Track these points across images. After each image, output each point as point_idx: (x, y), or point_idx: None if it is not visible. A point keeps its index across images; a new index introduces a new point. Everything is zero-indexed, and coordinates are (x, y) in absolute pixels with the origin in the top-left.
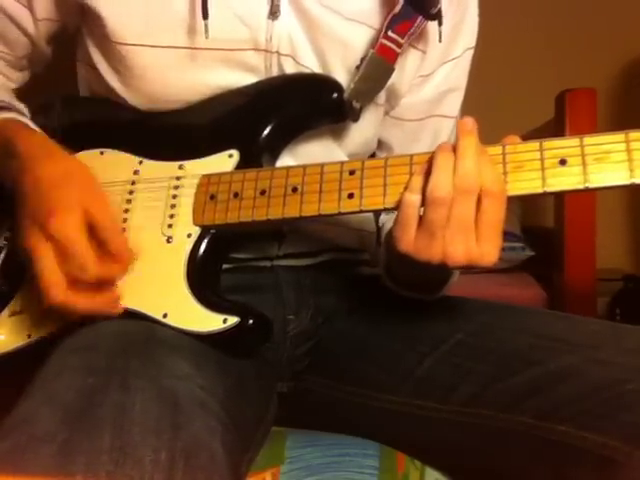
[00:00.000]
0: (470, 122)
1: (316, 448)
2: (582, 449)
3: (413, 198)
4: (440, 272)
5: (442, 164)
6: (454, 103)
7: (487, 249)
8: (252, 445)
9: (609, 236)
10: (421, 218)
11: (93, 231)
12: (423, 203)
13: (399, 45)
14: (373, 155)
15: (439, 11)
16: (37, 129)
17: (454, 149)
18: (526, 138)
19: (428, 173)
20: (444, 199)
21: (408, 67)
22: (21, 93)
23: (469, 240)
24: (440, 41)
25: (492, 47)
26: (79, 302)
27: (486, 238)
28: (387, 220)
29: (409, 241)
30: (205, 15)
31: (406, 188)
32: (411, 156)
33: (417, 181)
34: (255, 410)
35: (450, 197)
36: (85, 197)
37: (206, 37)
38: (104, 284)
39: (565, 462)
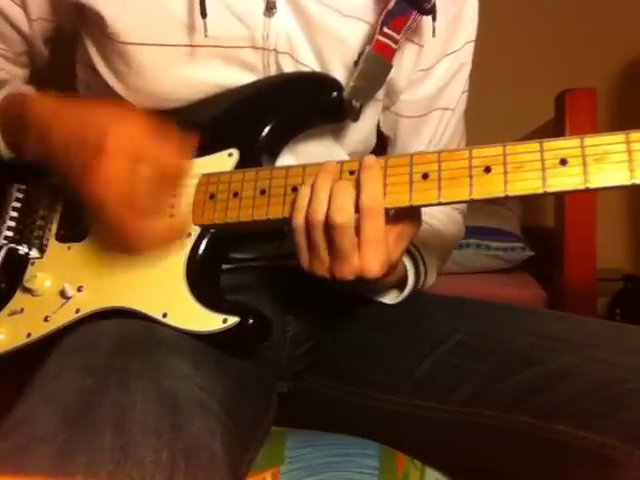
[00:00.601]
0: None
1: (316, 448)
2: (582, 448)
3: (299, 222)
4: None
5: (320, 185)
6: (454, 95)
7: (368, 263)
8: (252, 445)
9: (609, 236)
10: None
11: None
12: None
13: (395, 41)
14: (373, 151)
15: (433, 6)
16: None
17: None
18: (526, 138)
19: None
20: (320, 221)
21: (405, 61)
22: None
23: (350, 257)
24: (434, 36)
25: (492, 47)
26: (155, 226)
27: (366, 254)
28: None
29: (305, 261)
30: (203, 14)
31: (292, 208)
32: (411, 156)
33: (301, 202)
34: (255, 410)
35: (323, 222)
36: (125, 112)
37: (205, 35)
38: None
39: (565, 461)
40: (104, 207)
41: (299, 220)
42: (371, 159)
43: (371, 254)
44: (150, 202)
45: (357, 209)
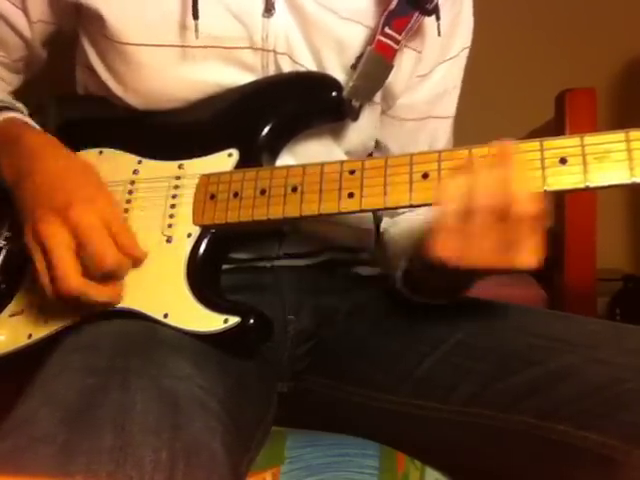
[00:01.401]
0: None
1: (316, 448)
2: (582, 448)
3: (454, 206)
4: (470, 278)
5: (487, 172)
6: (450, 103)
7: (528, 255)
8: (252, 445)
9: (609, 236)
10: (459, 225)
11: (106, 226)
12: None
13: (397, 42)
14: (371, 154)
15: (436, 6)
16: (38, 128)
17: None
18: (526, 138)
19: (461, 180)
20: (486, 207)
21: (404, 67)
22: (20, 94)
23: (508, 245)
24: (439, 35)
25: (492, 47)
26: (94, 290)
27: (524, 244)
28: (391, 225)
29: (451, 247)
30: (195, 15)
31: (441, 195)
32: (411, 156)
33: (459, 186)
34: (255, 410)
35: (493, 205)
36: (96, 193)
37: (196, 37)
38: (110, 279)
39: (565, 461)
40: (32, 255)
41: (453, 205)
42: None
43: (529, 244)
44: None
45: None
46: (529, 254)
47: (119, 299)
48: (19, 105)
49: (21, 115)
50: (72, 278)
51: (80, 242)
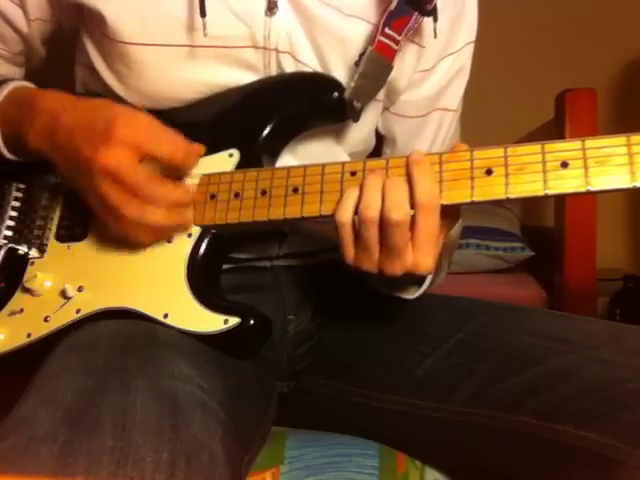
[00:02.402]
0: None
1: (316, 448)
2: (582, 449)
3: (345, 217)
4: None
5: (371, 183)
6: (454, 96)
7: (421, 260)
8: (252, 445)
9: (609, 236)
10: (356, 234)
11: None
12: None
13: (396, 42)
14: (374, 151)
15: (434, 7)
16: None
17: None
18: (526, 138)
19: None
20: (374, 218)
21: (407, 62)
22: None
23: (403, 252)
24: (435, 37)
25: (492, 47)
26: (178, 192)
27: (420, 249)
28: None
29: (350, 256)
30: (203, 13)
31: (339, 207)
32: None
33: (349, 199)
34: (255, 410)
35: (379, 216)
36: (132, 111)
37: (204, 35)
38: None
39: (565, 462)
40: (105, 195)
41: (345, 217)
42: (419, 154)
43: (426, 250)
44: (153, 190)
45: (411, 205)
46: (419, 258)
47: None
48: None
49: (23, 82)
50: (158, 188)
51: (142, 152)
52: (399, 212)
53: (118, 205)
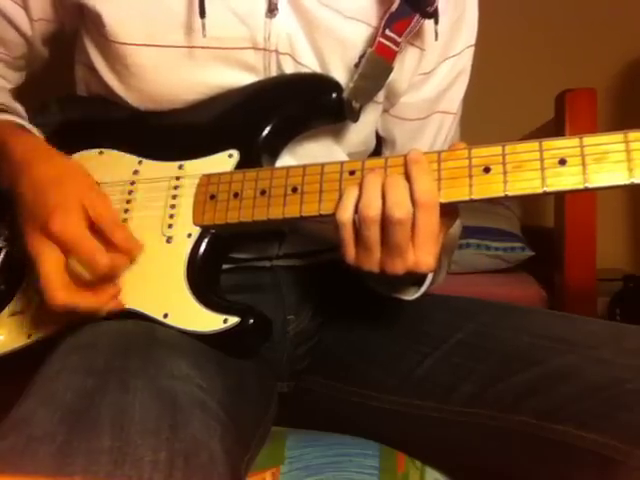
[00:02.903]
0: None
1: (316, 448)
2: (582, 449)
3: (346, 217)
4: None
5: (371, 182)
6: (454, 99)
7: (422, 258)
8: (252, 445)
9: (609, 236)
10: (357, 234)
11: (94, 227)
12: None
13: (397, 44)
14: (374, 152)
15: (435, 10)
16: (34, 130)
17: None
18: (526, 138)
19: (352, 191)
20: (375, 217)
21: (407, 65)
22: (20, 93)
23: (405, 251)
24: (436, 39)
25: (492, 47)
26: (83, 301)
27: (421, 248)
28: None
29: (351, 255)
30: (202, 14)
31: (339, 206)
32: None
33: (349, 199)
34: (255, 410)
35: (380, 214)
36: (82, 194)
37: (203, 35)
38: (106, 280)
39: (565, 462)
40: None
41: (346, 216)
42: (417, 153)
43: (427, 249)
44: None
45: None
46: (420, 256)
47: (118, 302)
48: (17, 107)
49: (16, 117)
50: (60, 293)
51: (66, 253)
52: (401, 210)
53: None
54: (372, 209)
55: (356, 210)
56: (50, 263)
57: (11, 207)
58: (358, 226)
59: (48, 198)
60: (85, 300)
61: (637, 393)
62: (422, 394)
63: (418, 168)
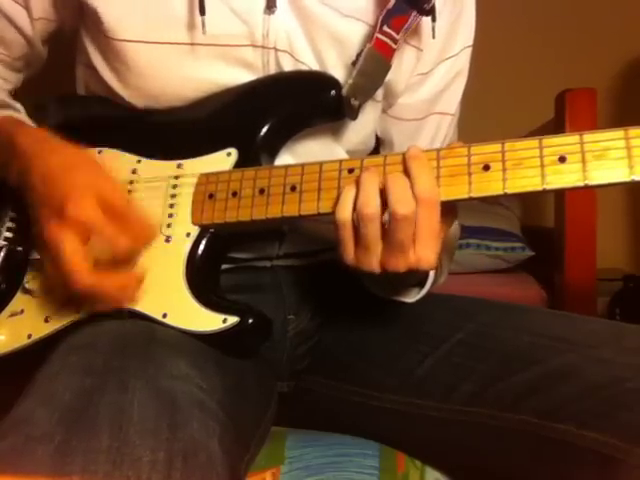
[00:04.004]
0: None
1: (316, 448)
2: (582, 448)
3: (344, 216)
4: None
5: (368, 180)
6: (452, 100)
7: (424, 255)
8: (252, 445)
9: (609, 236)
10: (356, 233)
11: (108, 212)
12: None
13: (395, 40)
14: (372, 152)
15: (433, 7)
16: (33, 126)
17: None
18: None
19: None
20: (373, 215)
21: (405, 64)
22: (20, 93)
23: (407, 248)
24: (434, 37)
25: (492, 47)
26: (108, 281)
27: (422, 244)
28: None
29: (350, 255)
30: (202, 11)
31: (337, 205)
32: None
33: (347, 197)
34: (255, 410)
35: (379, 212)
36: (94, 180)
37: (203, 33)
38: (126, 263)
39: (565, 461)
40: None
41: (344, 215)
42: (417, 150)
43: (428, 245)
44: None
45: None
46: (421, 253)
47: (138, 287)
48: (17, 105)
49: (15, 113)
50: (82, 274)
51: (86, 234)
52: (405, 206)
53: (50, 276)
54: (370, 207)
55: (354, 209)
56: (71, 247)
57: (13, 204)
58: (357, 225)
59: (61, 185)
60: (110, 280)
61: (637, 392)
62: (422, 394)
63: (418, 164)
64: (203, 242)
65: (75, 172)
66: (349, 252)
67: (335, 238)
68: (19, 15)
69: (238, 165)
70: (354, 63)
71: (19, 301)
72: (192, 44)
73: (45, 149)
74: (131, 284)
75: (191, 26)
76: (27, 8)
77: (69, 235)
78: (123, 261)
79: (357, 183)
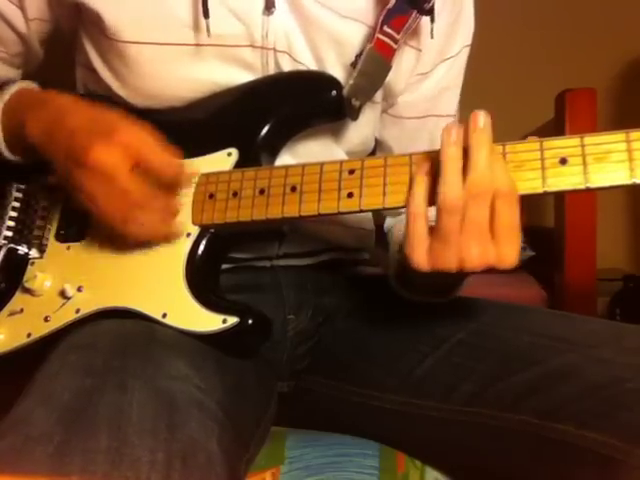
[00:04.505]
0: (482, 117)
1: (316, 448)
2: (582, 448)
3: (421, 210)
4: (457, 276)
5: (451, 166)
6: (451, 102)
7: (505, 251)
8: (251, 445)
9: (609, 236)
10: (432, 227)
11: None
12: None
13: (395, 41)
14: (372, 154)
15: (432, 7)
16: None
17: (462, 146)
18: (526, 138)
19: (431, 176)
20: (457, 206)
21: (404, 65)
22: None
23: (485, 243)
24: (432, 37)
25: (492, 47)
26: (157, 201)
27: (503, 240)
28: (394, 225)
29: (422, 255)
30: (206, 14)
31: (409, 198)
32: (410, 155)
33: (421, 189)
34: (255, 410)
35: (463, 202)
36: (121, 123)
37: (208, 35)
38: (173, 189)
39: (565, 461)
40: (91, 194)
41: (421, 209)
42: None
43: (511, 240)
44: (141, 197)
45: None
46: (509, 250)
47: (171, 231)
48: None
49: (32, 84)
50: (136, 189)
51: (137, 159)
52: (510, 186)
53: (104, 207)
54: (454, 197)
55: (431, 201)
56: (124, 169)
57: (14, 204)
58: (436, 216)
59: (111, 116)
60: (158, 200)
61: (637, 392)
62: (422, 394)
63: (496, 156)
64: (203, 242)
65: (118, 115)
66: (422, 249)
67: (407, 235)
68: (14, 15)
69: (238, 165)
70: (353, 64)
71: (19, 300)
72: (192, 45)
73: (84, 104)
74: (173, 210)
75: (192, 27)
76: (22, 8)
77: (117, 156)
78: (168, 187)
79: (429, 173)
